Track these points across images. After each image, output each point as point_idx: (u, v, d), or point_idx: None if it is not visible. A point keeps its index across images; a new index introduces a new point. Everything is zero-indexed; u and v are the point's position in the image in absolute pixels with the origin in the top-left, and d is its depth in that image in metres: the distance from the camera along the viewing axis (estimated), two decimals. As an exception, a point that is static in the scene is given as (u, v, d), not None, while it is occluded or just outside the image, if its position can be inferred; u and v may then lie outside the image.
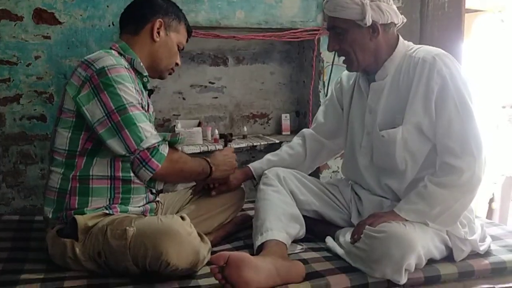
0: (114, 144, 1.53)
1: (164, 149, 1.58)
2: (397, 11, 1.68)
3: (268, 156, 2.00)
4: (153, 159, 1.55)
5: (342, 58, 1.75)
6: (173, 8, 1.78)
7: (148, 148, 1.54)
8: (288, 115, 2.87)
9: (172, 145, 1.64)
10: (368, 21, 1.61)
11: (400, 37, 1.73)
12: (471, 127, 1.58)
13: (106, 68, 1.54)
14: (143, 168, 1.55)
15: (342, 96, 1.92)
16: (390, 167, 1.71)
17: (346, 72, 1.86)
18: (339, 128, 1.95)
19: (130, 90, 1.56)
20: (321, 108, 2.04)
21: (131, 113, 1.54)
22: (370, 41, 1.66)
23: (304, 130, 2.05)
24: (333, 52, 2.55)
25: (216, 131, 2.62)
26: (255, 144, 2.62)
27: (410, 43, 1.74)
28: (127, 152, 1.53)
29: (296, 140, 2.03)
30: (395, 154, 1.67)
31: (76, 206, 1.55)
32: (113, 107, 1.53)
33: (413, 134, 1.64)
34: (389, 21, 1.65)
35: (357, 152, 1.83)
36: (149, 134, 1.55)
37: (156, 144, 1.56)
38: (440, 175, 1.61)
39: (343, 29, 1.66)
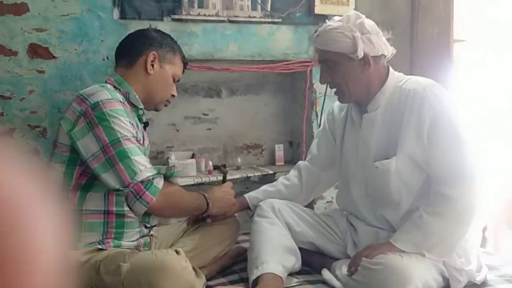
0: (109, 178, 1.52)
1: (159, 182, 1.57)
2: (387, 43, 1.72)
3: (265, 187, 2.00)
4: (147, 192, 1.54)
5: (334, 89, 1.77)
6: (168, 40, 1.79)
7: (142, 181, 1.53)
8: (281, 145, 2.88)
9: (167, 178, 1.63)
10: (360, 54, 1.63)
11: (391, 68, 1.76)
12: (464, 157, 1.59)
13: (100, 103, 1.54)
14: (138, 201, 1.54)
15: (335, 127, 1.93)
16: (385, 198, 1.71)
17: (337, 102, 1.88)
18: (333, 159, 1.95)
19: (124, 124, 1.56)
20: (315, 140, 2.05)
21: (125, 146, 1.53)
22: (362, 73, 1.68)
23: (300, 162, 2.06)
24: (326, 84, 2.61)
25: (210, 163, 2.62)
26: (249, 175, 2.61)
27: (401, 74, 1.77)
28: (121, 186, 1.52)
29: (293, 172, 2.03)
30: (390, 184, 1.67)
31: (69, 241, 1.54)
32: (108, 141, 1.52)
33: (407, 164, 1.65)
34: (380, 53, 1.68)
35: (352, 183, 1.83)
36: (143, 168, 1.54)
37: (150, 177, 1.55)
38: (435, 205, 1.61)
39: (335, 62, 1.68)
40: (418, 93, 1.63)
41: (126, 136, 1.55)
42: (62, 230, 0.42)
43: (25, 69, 2.22)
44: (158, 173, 1.59)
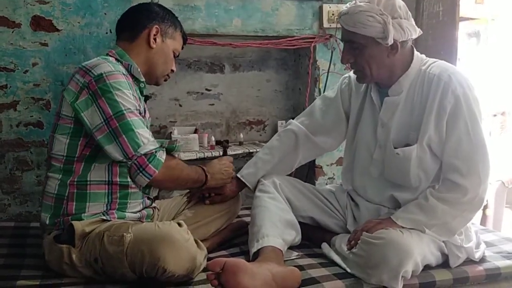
0: (112, 150, 1.54)
1: (162, 155, 1.59)
2: (414, 25, 1.65)
3: (255, 159, 1.96)
4: (150, 165, 1.56)
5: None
6: (169, 15, 1.80)
7: (145, 154, 1.55)
8: (284, 122, 2.88)
9: (169, 152, 1.65)
10: (390, 41, 1.57)
11: (415, 50, 1.70)
12: (480, 149, 1.59)
13: (104, 75, 1.55)
14: (140, 173, 1.56)
15: (351, 102, 1.87)
16: (402, 183, 1.70)
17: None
18: (335, 130, 1.92)
19: (127, 97, 1.57)
20: (319, 106, 1.96)
21: (129, 119, 1.55)
22: (387, 57, 1.64)
23: (295, 128, 1.94)
24: (329, 60, 2.60)
25: (213, 138, 2.63)
26: (251, 150, 2.63)
27: (423, 56, 1.73)
28: (124, 158, 1.54)
29: (288, 141, 1.94)
30: (410, 171, 1.66)
31: (74, 211, 1.56)
32: (111, 113, 1.53)
33: (427, 152, 1.64)
34: (408, 38, 1.63)
35: (366, 164, 1.81)
36: (147, 141, 1.56)
37: (153, 150, 1.56)
38: (443, 191, 1.61)
39: (361, 44, 1.62)
40: (443, 79, 1.60)
41: (130, 108, 1.56)
42: None
43: (29, 42, 2.22)
44: (161, 146, 1.61)
